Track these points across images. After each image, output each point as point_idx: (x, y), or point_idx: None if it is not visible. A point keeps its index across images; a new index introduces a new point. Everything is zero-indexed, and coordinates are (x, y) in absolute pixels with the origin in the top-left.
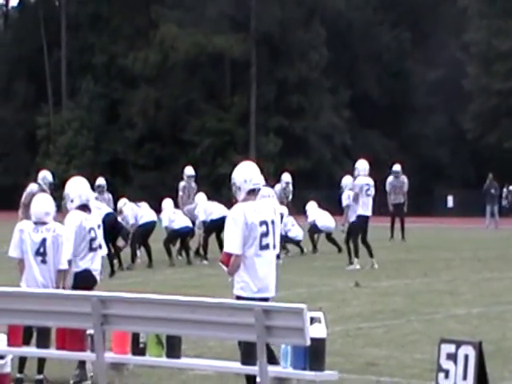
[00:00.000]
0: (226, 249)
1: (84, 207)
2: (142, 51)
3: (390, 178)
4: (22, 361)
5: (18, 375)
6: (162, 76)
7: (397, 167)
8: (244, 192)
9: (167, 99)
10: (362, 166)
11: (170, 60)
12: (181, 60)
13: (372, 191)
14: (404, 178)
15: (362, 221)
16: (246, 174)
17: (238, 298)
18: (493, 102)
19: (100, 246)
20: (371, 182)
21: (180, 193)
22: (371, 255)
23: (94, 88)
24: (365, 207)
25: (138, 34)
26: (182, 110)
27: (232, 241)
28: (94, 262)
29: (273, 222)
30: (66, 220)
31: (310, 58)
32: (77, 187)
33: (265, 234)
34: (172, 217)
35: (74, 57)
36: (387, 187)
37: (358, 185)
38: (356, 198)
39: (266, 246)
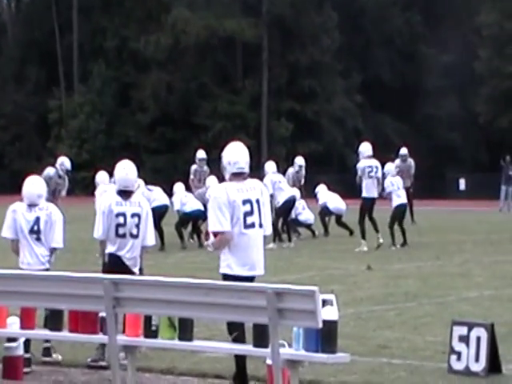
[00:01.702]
0: (211, 228)
1: (122, 192)
2: (153, 35)
3: (397, 162)
4: (27, 341)
5: (26, 355)
6: (173, 59)
7: (404, 150)
8: (228, 173)
9: (179, 83)
10: (365, 148)
11: (182, 43)
12: (192, 43)
13: (376, 173)
14: (411, 162)
15: (367, 203)
16: (232, 157)
17: (224, 276)
18: (505, 85)
19: (133, 235)
20: (374, 163)
21: (191, 176)
22: (377, 230)
23: (105, 72)
24: (367, 189)
25: (149, 17)
26: (193, 94)
27: (216, 219)
28: (124, 249)
29: (258, 201)
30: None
31: (322, 41)
32: (120, 172)
33: (249, 213)
34: (183, 200)
35: (85, 40)
36: (394, 170)
37: (360, 167)
38: (360, 181)
39: (252, 225)
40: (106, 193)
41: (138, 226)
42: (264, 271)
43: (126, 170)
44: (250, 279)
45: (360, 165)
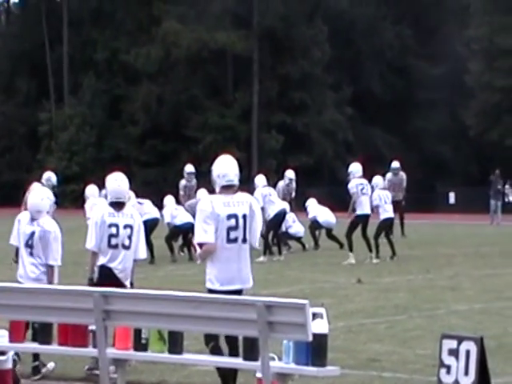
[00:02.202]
0: (197, 239)
1: (115, 204)
2: (144, 47)
3: (389, 175)
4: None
5: (34, 364)
6: (164, 72)
7: (395, 164)
8: (218, 186)
9: (169, 95)
10: (356, 168)
11: (173, 56)
12: (183, 56)
13: (367, 190)
14: (403, 175)
15: (361, 220)
16: (221, 169)
17: (209, 291)
18: (495, 98)
19: (125, 246)
20: (365, 181)
21: (181, 192)
22: (370, 250)
23: (96, 84)
24: (362, 206)
25: (140, 29)
26: (184, 106)
27: (201, 231)
28: (116, 261)
29: (244, 216)
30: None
31: (313, 54)
32: (112, 184)
33: (233, 228)
34: (174, 213)
35: (75, 53)
36: (386, 184)
37: (353, 187)
38: (355, 198)
39: (235, 240)
40: (96, 205)
41: (130, 237)
42: (250, 285)
43: (118, 181)
44: (235, 293)
45: (352, 184)
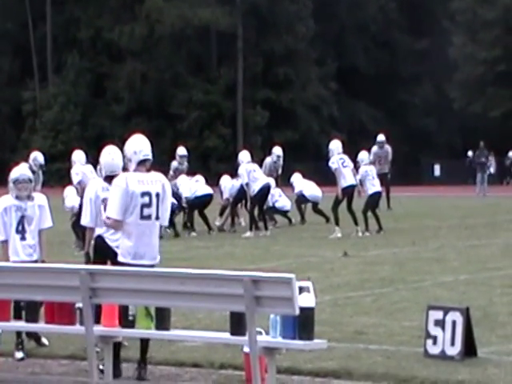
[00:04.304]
0: (107, 212)
1: (109, 178)
2: (127, 25)
3: (375, 148)
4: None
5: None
6: (148, 49)
7: (381, 137)
8: (134, 163)
9: (154, 73)
10: (335, 145)
11: (156, 33)
12: (167, 33)
13: (348, 163)
14: (388, 148)
15: (348, 191)
16: (136, 145)
17: (121, 264)
18: (479, 70)
19: None
20: (345, 156)
21: (171, 172)
22: (356, 223)
23: (80, 62)
24: (346, 178)
25: (123, 7)
26: (168, 84)
27: (112, 206)
28: (109, 231)
29: (157, 195)
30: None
31: (297, 29)
32: (106, 157)
33: (147, 205)
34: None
35: (59, 31)
36: (371, 157)
37: (334, 162)
38: (338, 174)
39: (148, 217)
40: (79, 175)
41: None
42: (158, 260)
43: (112, 154)
44: (145, 267)
45: (333, 160)
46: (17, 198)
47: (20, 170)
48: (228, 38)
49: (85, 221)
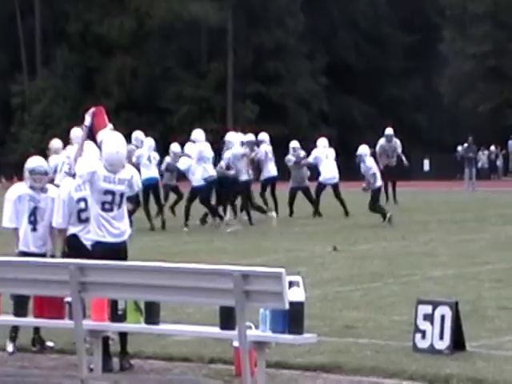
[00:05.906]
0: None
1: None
2: (117, 18)
3: (382, 141)
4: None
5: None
6: (137, 44)
7: (389, 130)
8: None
9: (143, 67)
10: (322, 143)
11: (146, 27)
12: (156, 27)
13: (330, 155)
14: (396, 141)
15: (329, 183)
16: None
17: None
18: (469, 65)
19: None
20: (328, 151)
21: (162, 167)
22: (346, 212)
23: (69, 56)
24: (326, 170)
25: (112, 0)
26: (158, 78)
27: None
28: (87, 232)
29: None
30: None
31: (287, 23)
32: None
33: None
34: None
35: (48, 25)
36: (377, 149)
37: (316, 152)
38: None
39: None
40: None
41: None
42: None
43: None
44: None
45: (316, 154)
46: (31, 187)
47: (37, 161)
48: (218, 32)
49: (57, 223)
